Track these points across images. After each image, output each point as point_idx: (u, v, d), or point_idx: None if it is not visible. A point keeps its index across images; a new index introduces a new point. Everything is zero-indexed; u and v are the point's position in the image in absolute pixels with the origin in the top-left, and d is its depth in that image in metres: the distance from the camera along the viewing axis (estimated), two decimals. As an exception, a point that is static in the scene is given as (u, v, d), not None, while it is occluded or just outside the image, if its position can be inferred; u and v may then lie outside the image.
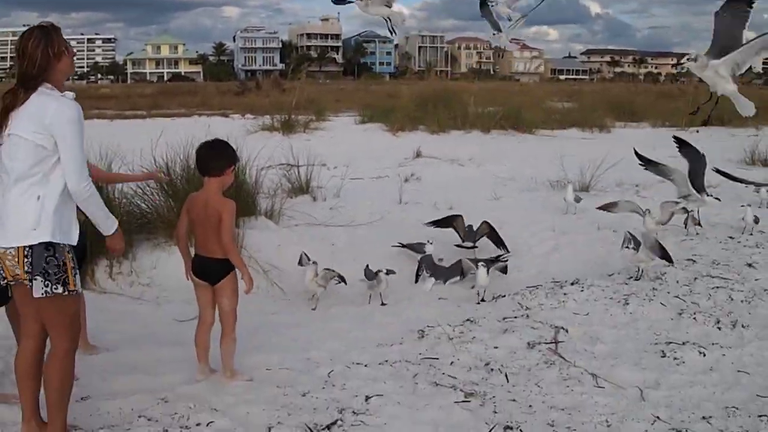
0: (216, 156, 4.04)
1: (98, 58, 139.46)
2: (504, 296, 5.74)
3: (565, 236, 7.71)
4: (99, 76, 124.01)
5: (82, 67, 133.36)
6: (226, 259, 3.95)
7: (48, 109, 3.18)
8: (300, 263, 6.00)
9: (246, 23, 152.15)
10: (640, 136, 18.05)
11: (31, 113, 3.19)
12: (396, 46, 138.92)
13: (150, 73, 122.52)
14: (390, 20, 6.05)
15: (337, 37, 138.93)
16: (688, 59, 4.91)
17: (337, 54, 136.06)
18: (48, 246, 3.17)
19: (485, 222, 7.12)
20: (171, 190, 6.73)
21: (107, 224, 3.43)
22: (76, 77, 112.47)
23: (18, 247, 3.15)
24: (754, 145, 14.02)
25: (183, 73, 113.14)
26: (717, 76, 4.83)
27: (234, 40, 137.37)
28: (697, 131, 19.17)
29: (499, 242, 7.11)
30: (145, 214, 6.83)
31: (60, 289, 3.21)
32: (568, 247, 7.39)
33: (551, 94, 30.83)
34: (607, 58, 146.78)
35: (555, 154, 13.44)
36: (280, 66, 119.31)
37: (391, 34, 6.21)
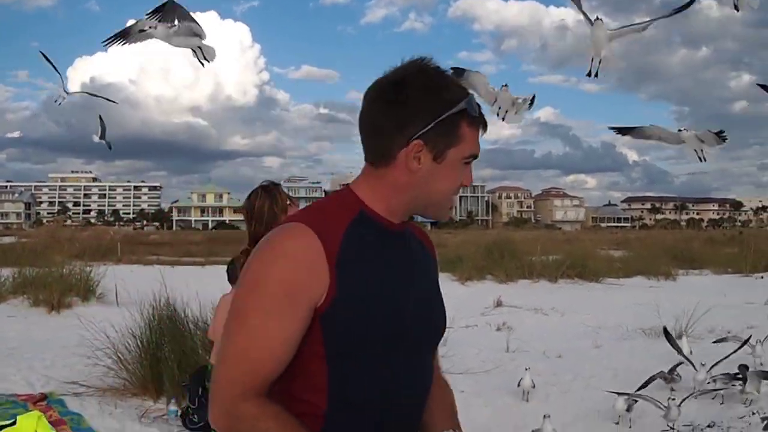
0: None
1: (144, 205, 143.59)
2: None
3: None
4: (145, 222, 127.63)
5: (129, 213, 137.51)
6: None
7: None
8: None
9: (287, 173, 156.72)
10: (706, 283, 18.33)
11: None
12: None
13: (195, 220, 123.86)
14: (201, 51, 5.58)
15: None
16: None
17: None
18: None
19: None
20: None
21: None
22: (122, 223, 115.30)
23: None
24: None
25: (228, 221, 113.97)
26: None
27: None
28: (762, 277, 19.49)
29: None
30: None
31: None
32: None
33: (599, 242, 30.79)
34: (648, 205, 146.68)
35: (629, 302, 13.68)
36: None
37: (202, 65, 5.58)
